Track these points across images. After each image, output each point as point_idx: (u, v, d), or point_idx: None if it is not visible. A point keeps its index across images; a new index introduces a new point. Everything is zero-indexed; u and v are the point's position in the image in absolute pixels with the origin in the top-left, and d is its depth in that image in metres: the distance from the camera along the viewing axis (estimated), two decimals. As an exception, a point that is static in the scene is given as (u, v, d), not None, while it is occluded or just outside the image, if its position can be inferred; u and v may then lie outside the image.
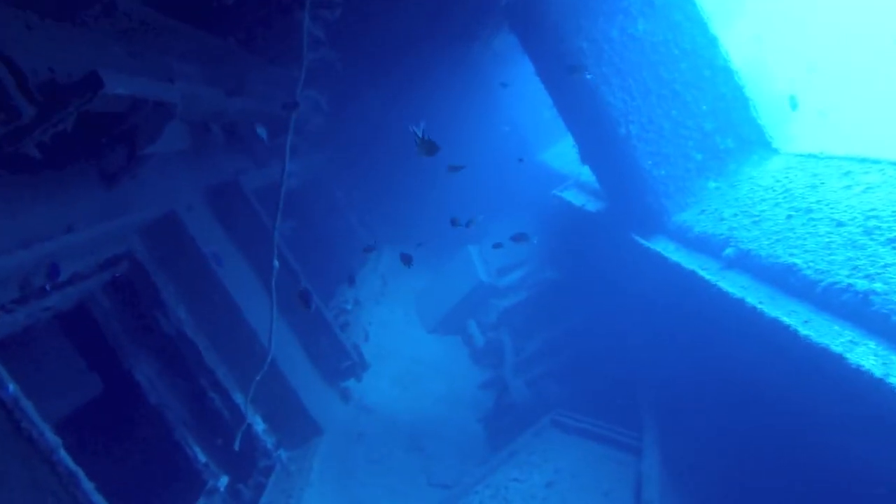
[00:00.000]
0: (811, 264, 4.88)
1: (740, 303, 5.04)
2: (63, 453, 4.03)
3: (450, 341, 11.04)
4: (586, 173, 9.94)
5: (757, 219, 5.93)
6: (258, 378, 5.95)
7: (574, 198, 9.50)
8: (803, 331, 4.31)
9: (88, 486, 4.05)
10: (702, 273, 5.75)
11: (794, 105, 9.45)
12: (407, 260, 6.44)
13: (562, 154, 11.89)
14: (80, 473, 4.04)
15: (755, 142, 7.13)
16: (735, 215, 6.24)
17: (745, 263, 5.60)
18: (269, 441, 7.05)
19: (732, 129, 7.12)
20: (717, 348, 6.05)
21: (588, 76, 6.80)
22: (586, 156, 8.05)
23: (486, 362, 10.24)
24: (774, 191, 6.20)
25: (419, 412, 9.05)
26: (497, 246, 8.68)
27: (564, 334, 9.63)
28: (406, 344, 10.75)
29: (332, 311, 10.15)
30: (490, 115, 13.01)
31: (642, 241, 6.98)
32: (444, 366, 10.25)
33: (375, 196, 13.06)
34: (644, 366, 7.65)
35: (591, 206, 8.80)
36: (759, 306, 4.81)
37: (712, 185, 7.05)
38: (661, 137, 7.00)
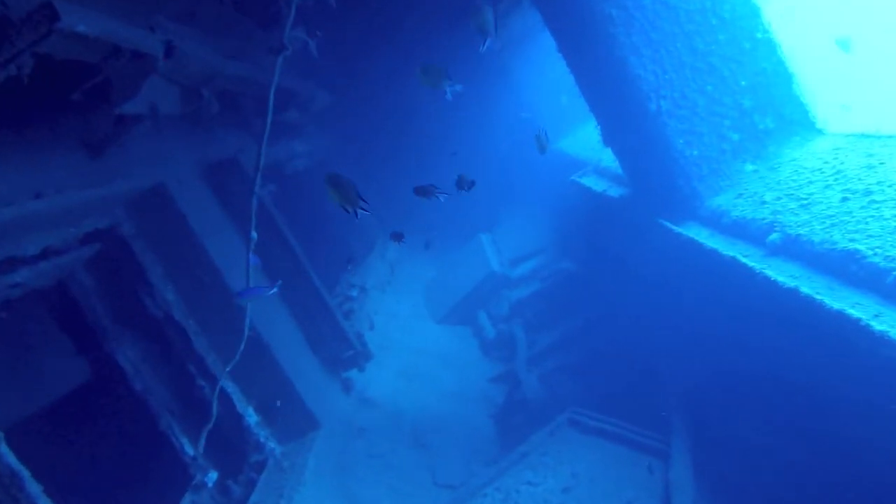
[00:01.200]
0: (878, 250, 4.16)
1: (792, 293, 4.34)
2: (4, 449, 3.36)
3: (459, 332, 10.35)
4: (606, 159, 9.24)
5: (805, 202, 5.22)
6: (236, 358, 5.29)
7: (594, 183, 8.78)
8: (877, 326, 3.59)
9: (35, 488, 3.38)
10: (744, 260, 5.04)
11: (845, 47, 8.51)
12: (398, 237, 5.78)
13: (580, 141, 11.17)
14: (25, 473, 3.37)
15: (798, 122, 6.40)
16: (778, 199, 5.52)
17: (794, 250, 4.89)
18: (261, 434, 6.40)
19: (773, 108, 6.40)
20: (759, 343, 5.36)
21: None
22: (610, 137, 7.32)
23: (497, 355, 9.56)
24: (823, 172, 5.48)
25: (425, 406, 8.38)
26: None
27: (580, 327, 8.94)
28: (413, 334, 10.07)
29: (336, 297, 9.49)
30: (506, 101, 12.28)
31: (672, 227, 6.27)
32: (452, 358, 9.56)
33: (385, 183, 12.35)
34: (671, 362, 6.96)
35: (613, 191, 8.07)
36: (817, 297, 4.10)
37: (749, 167, 6.33)
38: (694, 115, 6.28)
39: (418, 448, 7.57)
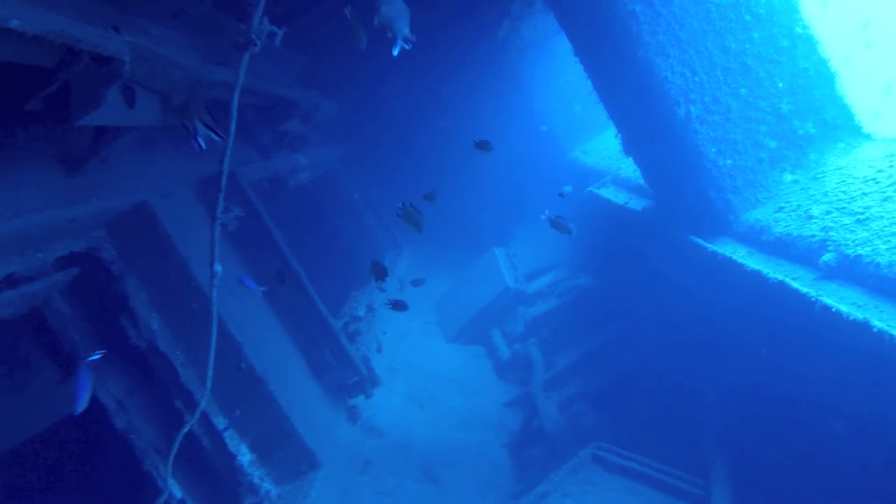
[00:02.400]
0: (964, 276, 3.47)
1: (860, 327, 3.63)
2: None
3: (472, 352, 9.67)
4: (626, 168, 8.57)
5: (862, 217, 4.51)
6: (206, 392, 4.63)
7: (613, 195, 8.09)
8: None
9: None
10: (794, 285, 4.35)
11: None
12: (380, 273, 5.18)
13: (595, 151, 10.49)
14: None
15: (841, 126, 5.71)
16: (828, 213, 4.82)
17: (853, 272, 4.20)
18: (255, 474, 5.73)
19: (813, 112, 5.71)
20: (813, 377, 4.64)
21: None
22: (632, 146, 6.64)
23: (512, 377, 8.87)
24: (879, 183, 4.77)
25: (436, 435, 7.70)
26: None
27: (601, 349, 8.23)
28: (423, 355, 9.40)
29: (342, 318, 8.84)
30: (518, 110, 11.61)
31: (705, 245, 5.58)
32: (464, 380, 8.88)
33: (396, 194, 11.70)
34: (706, 393, 6.24)
35: (635, 203, 7.39)
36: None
37: (788, 177, 5.64)
38: (727, 121, 5.60)
39: (428, 483, 6.89)
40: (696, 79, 5.54)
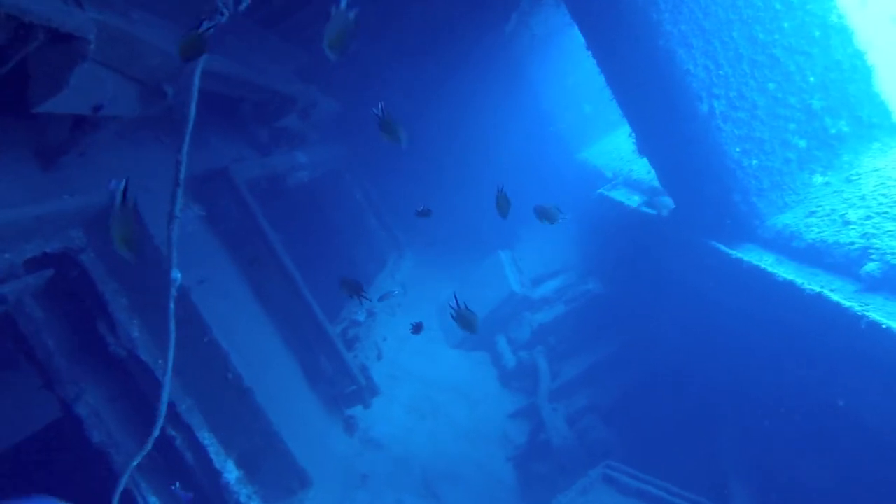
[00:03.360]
0: None
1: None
2: None
3: (476, 359, 9.18)
4: (638, 170, 8.11)
5: (908, 223, 4.03)
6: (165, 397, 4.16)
7: (625, 198, 7.63)
8: None
9: None
10: (834, 297, 3.87)
11: None
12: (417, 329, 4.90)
13: (605, 151, 10.01)
14: None
15: (878, 125, 5.23)
16: (868, 218, 4.34)
17: (902, 285, 3.71)
18: (242, 493, 5.25)
19: (847, 108, 5.22)
20: (855, 400, 4.16)
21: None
22: (647, 145, 6.16)
23: (518, 386, 8.39)
24: (924, 186, 4.29)
25: (437, 447, 7.22)
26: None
27: (611, 359, 7.75)
28: (425, 362, 8.91)
29: (341, 323, 8.38)
30: (525, 109, 11.11)
31: (728, 251, 5.10)
32: (468, 389, 8.40)
33: (398, 195, 11.21)
34: (727, 410, 5.76)
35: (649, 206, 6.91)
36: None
37: (819, 179, 5.16)
38: (753, 117, 5.12)
39: (429, 498, 6.43)
40: (720, 72, 5.06)
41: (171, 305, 3.71)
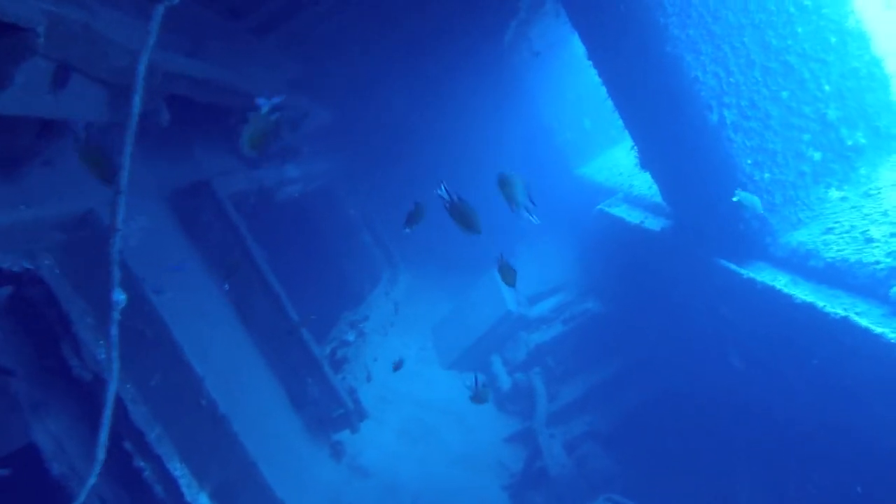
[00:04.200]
0: None
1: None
2: None
3: (470, 380, 8.73)
4: (639, 185, 7.72)
5: (941, 241, 3.63)
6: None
7: (626, 214, 7.23)
8: None
9: None
10: (861, 322, 3.46)
11: None
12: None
13: (605, 167, 9.64)
14: None
15: (897, 137, 4.83)
16: (893, 235, 3.93)
17: (938, 310, 3.30)
18: (216, 529, 4.81)
19: (864, 119, 4.84)
20: (883, 430, 3.74)
21: None
22: (651, 158, 5.79)
23: (513, 409, 7.95)
24: (953, 201, 3.89)
25: (429, 474, 6.80)
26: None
27: (611, 382, 7.32)
28: (418, 383, 8.49)
29: (330, 343, 7.96)
30: (524, 123, 10.73)
31: (738, 270, 4.69)
32: (462, 412, 7.95)
33: (394, 211, 10.79)
34: (736, 436, 5.33)
35: (652, 223, 6.52)
36: None
37: (835, 194, 4.77)
38: (766, 128, 4.74)
39: (419, 531, 5.98)
40: (731, 80, 4.68)
41: (114, 331, 3.27)
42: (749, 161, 4.70)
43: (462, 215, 3.46)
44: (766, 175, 4.72)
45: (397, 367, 5.39)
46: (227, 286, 5.02)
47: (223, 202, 6.28)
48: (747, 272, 4.54)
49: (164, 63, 4.19)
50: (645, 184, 7.55)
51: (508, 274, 4.03)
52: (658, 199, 6.70)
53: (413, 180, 10.72)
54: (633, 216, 7.03)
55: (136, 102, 2.95)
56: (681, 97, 4.73)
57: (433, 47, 8.67)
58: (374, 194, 10.67)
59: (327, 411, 6.57)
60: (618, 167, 9.14)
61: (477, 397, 4.87)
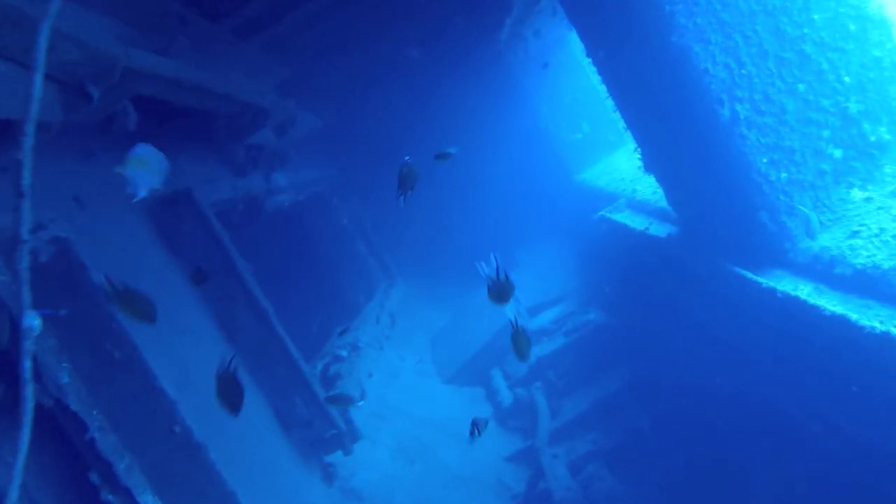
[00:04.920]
0: None
1: None
2: None
3: (470, 395, 8.30)
4: (643, 190, 7.29)
5: None
6: None
7: (629, 220, 6.80)
8: None
9: None
10: (903, 337, 3.00)
11: None
12: None
13: (606, 172, 9.21)
14: None
15: (925, 131, 4.40)
16: (930, 239, 3.49)
17: None
18: (192, 568, 4.37)
19: (888, 112, 4.42)
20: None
21: None
22: (656, 160, 5.36)
23: (515, 425, 7.50)
24: None
25: (426, 496, 6.33)
26: None
27: (616, 396, 6.87)
28: (416, 398, 8.03)
29: (323, 358, 7.51)
30: (522, 129, 10.30)
31: (756, 279, 4.25)
32: (461, 429, 7.41)
33: (388, 220, 10.38)
34: (752, 458, 4.87)
35: (657, 229, 6.09)
36: None
37: (858, 194, 4.33)
38: (781, 124, 4.31)
39: (415, 560, 5.53)
40: (743, 71, 4.25)
41: (27, 363, 2.82)
42: (764, 160, 4.27)
43: (500, 293, 3.24)
44: (783, 175, 4.29)
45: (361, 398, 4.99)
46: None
47: (205, 212, 5.85)
48: (766, 281, 4.10)
49: (125, 59, 3.77)
50: (648, 188, 7.14)
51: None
52: (663, 203, 6.27)
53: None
54: (636, 222, 6.61)
55: (38, 84, 2.50)
56: (689, 92, 4.31)
57: (427, 49, 8.26)
58: (368, 202, 10.23)
59: (319, 432, 6.13)
60: (619, 172, 8.72)
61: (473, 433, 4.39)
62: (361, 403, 5.53)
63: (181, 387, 4.55)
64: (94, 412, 4.27)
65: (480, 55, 8.52)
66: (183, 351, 5.03)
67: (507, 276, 3.47)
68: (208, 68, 5.74)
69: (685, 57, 4.23)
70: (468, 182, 10.23)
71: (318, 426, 6.10)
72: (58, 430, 4.33)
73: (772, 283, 4.06)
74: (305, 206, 8.80)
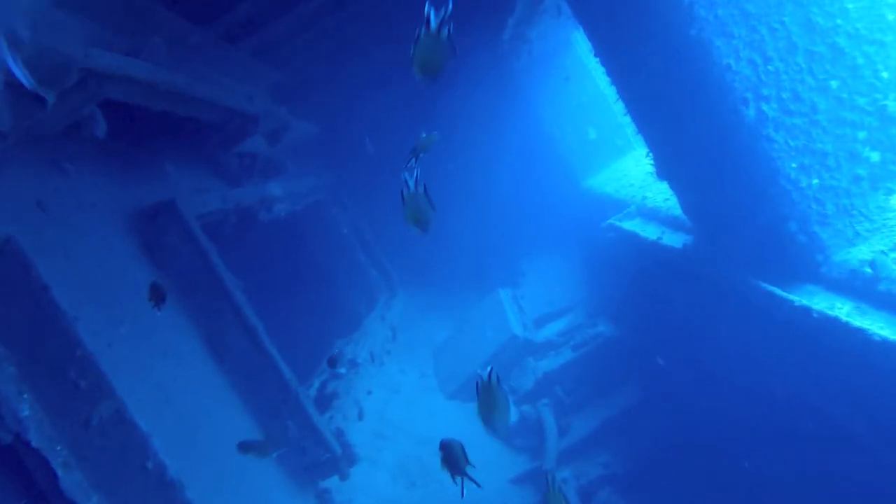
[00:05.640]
0: None
1: None
2: None
3: (474, 411, 7.78)
4: (653, 197, 6.83)
5: None
6: None
7: (640, 228, 6.34)
8: None
9: None
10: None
11: None
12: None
13: (614, 178, 8.74)
14: None
15: (972, 132, 3.91)
16: None
17: None
18: None
19: (931, 112, 3.92)
20: None
21: None
22: (671, 165, 4.90)
23: (521, 444, 7.01)
24: None
25: (427, 525, 5.87)
26: None
27: (629, 416, 6.40)
28: (417, 416, 7.57)
29: (320, 375, 7.05)
30: (526, 134, 9.83)
31: (786, 297, 3.77)
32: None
33: (389, 228, 9.90)
34: (780, 488, 4.39)
35: (671, 239, 5.61)
36: None
37: (898, 202, 3.85)
38: (813, 124, 3.84)
39: None
40: (769, 67, 3.79)
41: None
42: (794, 164, 3.80)
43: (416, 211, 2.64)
44: (815, 181, 3.82)
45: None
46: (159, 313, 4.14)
47: (190, 223, 5.40)
48: (799, 298, 3.63)
49: (83, 59, 3.33)
50: (660, 195, 6.67)
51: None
52: (676, 211, 5.82)
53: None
54: (648, 231, 6.13)
55: None
56: (710, 91, 3.85)
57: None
58: (368, 211, 9.76)
59: (313, 456, 5.68)
60: (627, 178, 8.25)
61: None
62: (275, 455, 5.03)
63: (157, 416, 4.10)
64: (58, 447, 3.83)
65: (482, 58, 8.05)
66: (161, 374, 4.58)
67: (426, 190, 2.83)
68: (192, 73, 5.31)
69: (705, 52, 3.77)
70: (471, 189, 9.77)
71: (312, 450, 5.65)
72: (19, 467, 3.89)
73: (805, 302, 3.59)
74: (303, 216, 8.36)
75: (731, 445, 4.89)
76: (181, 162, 6.46)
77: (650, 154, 5.10)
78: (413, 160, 3.61)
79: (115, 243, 4.96)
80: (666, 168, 4.93)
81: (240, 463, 5.10)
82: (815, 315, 3.49)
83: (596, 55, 5.03)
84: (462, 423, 7.54)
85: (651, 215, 6.60)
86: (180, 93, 4.64)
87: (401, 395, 7.87)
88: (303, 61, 7.35)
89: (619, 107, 9.39)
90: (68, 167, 4.78)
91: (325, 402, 6.57)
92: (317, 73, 7.58)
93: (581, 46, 9.45)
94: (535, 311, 8.60)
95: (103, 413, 3.77)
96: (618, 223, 6.88)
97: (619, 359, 6.96)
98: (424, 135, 3.98)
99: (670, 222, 6.02)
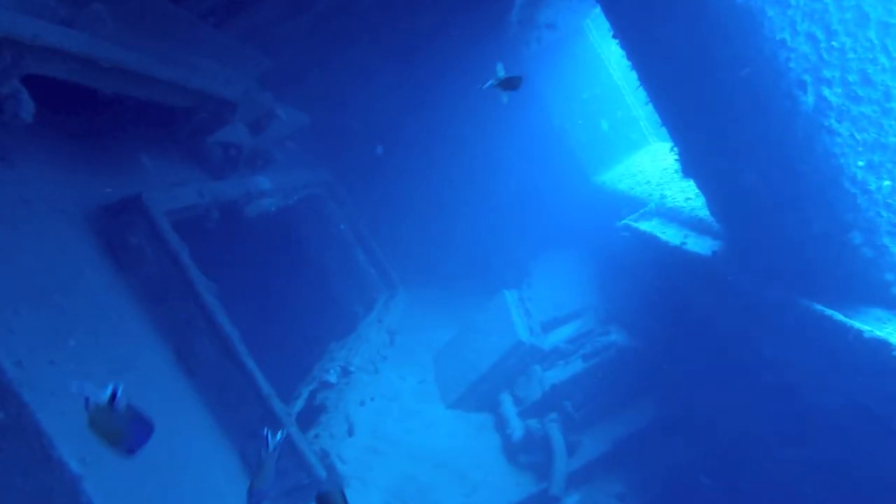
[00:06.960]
0: None
1: None
2: None
3: (476, 422, 7.08)
4: (672, 196, 6.09)
5: None
6: None
7: (660, 231, 5.60)
8: None
9: None
10: None
11: None
12: None
13: (629, 174, 8.00)
14: None
15: None
16: None
17: None
18: None
19: None
20: None
21: None
22: (701, 161, 4.14)
23: (526, 461, 6.27)
24: None
25: (421, 555, 5.16)
26: None
27: (646, 435, 5.67)
28: (415, 428, 6.85)
29: (309, 384, 6.37)
30: (534, 126, 9.06)
31: (848, 323, 3.01)
32: (465, 465, 6.31)
33: (391, 226, 9.18)
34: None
35: (696, 244, 4.86)
36: None
37: None
38: (885, 114, 3.07)
39: None
40: (833, 44, 3.02)
41: None
42: (860, 162, 3.04)
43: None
44: (886, 182, 3.06)
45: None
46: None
47: (158, 221, 4.69)
48: (870, 330, 2.86)
49: (9, 27, 2.60)
50: (680, 194, 5.94)
51: None
52: (701, 213, 5.09)
53: (412, 191, 9.14)
54: (669, 234, 5.39)
55: None
56: (759, 72, 3.09)
57: (430, 35, 7.05)
58: (367, 205, 9.02)
59: (295, 480, 4.98)
60: (644, 174, 7.50)
61: None
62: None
63: (95, 453, 3.40)
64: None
65: (488, 45, 7.26)
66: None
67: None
68: (162, 55, 4.58)
69: (755, 25, 3.00)
70: (475, 184, 9.04)
71: (293, 473, 4.95)
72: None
73: (880, 335, 2.82)
74: (296, 210, 7.64)
75: (765, 490, 4.15)
76: (159, 154, 5.78)
77: (675, 148, 4.36)
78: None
79: (67, 241, 4.26)
80: (694, 164, 4.18)
81: (208, 491, 4.43)
82: (893, 353, 2.73)
83: (615, 36, 4.29)
84: (463, 436, 6.83)
85: (671, 216, 5.86)
86: (135, 72, 3.90)
87: (398, 403, 7.15)
88: (294, 48, 6.63)
89: (634, 98, 8.67)
90: (15, 158, 4.09)
91: (313, 413, 5.88)
92: (309, 60, 6.85)
93: (594, 34, 8.69)
94: (543, 314, 7.86)
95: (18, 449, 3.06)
96: (634, 223, 6.14)
97: (634, 371, 6.21)
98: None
99: (694, 225, 5.28)
